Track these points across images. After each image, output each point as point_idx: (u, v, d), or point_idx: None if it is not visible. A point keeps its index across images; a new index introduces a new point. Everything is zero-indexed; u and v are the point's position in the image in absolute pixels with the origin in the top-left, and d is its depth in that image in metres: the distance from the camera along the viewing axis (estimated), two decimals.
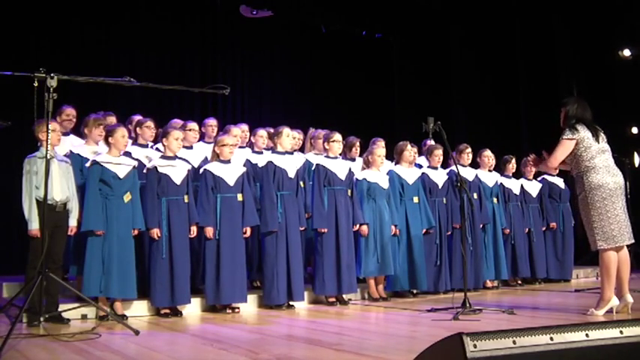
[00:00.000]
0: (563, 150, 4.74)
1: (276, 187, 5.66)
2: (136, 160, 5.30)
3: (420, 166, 6.87)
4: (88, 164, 5.05)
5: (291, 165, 5.79)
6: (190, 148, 5.99)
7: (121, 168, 5.02)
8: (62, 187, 4.77)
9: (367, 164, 6.28)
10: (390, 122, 11.11)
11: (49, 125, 4.13)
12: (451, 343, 1.96)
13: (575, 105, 4.84)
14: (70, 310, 4.84)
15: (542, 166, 5.12)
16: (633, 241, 4.71)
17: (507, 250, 7.36)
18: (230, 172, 5.49)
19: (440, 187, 6.70)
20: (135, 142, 5.74)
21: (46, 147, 4.14)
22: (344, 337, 4.00)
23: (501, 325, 4.32)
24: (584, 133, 4.72)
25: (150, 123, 5.76)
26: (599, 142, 4.73)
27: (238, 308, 5.41)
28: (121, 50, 8.93)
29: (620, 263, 4.67)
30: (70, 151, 5.36)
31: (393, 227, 6.16)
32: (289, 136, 5.89)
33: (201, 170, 5.54)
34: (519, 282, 7.57)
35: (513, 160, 7.66)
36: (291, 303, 5.62)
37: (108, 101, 8.00)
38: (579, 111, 4.81)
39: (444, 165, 6.96)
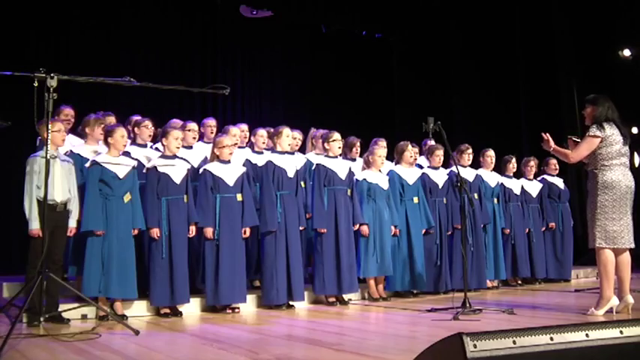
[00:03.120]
0: (589, 147, 4.71)
1: (276, 187, 5.66)
2: (135, 160, 5.30)
3: (421, 167, 6.87)
4: (87, 164, 5.05)
5: (290, 165, 5.79)
6: (190, 148, 5.99)
7: (121, 168, 5.02)
8: (63, 188, 4.77)
9: (367, 164, 6.27)
10: (390, 122, 11.10)
11: (54, 125, 4.13)
12: (451, 343, 1.96)
13: (606, 103, 4.79)
14: (70, 310, 4.84)
15: (561, 155, 4.98)
16: (633, 245, 4.71)
17: (507, 250, 7.36)
18: (229, 173, 5.49)
19: (440, 187, 6.70)
20: (134, 142, 5.73)
21: (46, 147, 4.14)
22: (344, 337, 4.00)
23: (501, 325, 4.32)
24: (610, 131, 4.69)
25: (148, 123, 5.76)
26: (625, 144, 4.72)
27: (238, 308, 5.40)
28: (121, 50, 8.92)
29: (622, 265, 4.67)
30: (70, 151, 5.36)
31: (393, 227, 6.16)
32: (289, 136, 5.89)
33: (200, 170, 5.53)
34: (519, 282, 7.57)
35: (513, 160, 7.65)
36: (291, 303, 5.62)
37: (108, 101, 8.00)
38: (610, 112, 4.78)
39: (445, 165, 6.95)
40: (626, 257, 4.70)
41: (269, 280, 5.54)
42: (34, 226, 4.60)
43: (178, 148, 5.40)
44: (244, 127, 6.61)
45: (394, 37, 11.61)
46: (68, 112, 5.81)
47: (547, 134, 4.99)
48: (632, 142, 4.95)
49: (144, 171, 5.30)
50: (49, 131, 4.13)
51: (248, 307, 5.56)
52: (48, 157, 4.13)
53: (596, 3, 9.47)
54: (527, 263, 7.56)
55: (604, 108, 4.79)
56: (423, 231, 6.40)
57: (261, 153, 6.22)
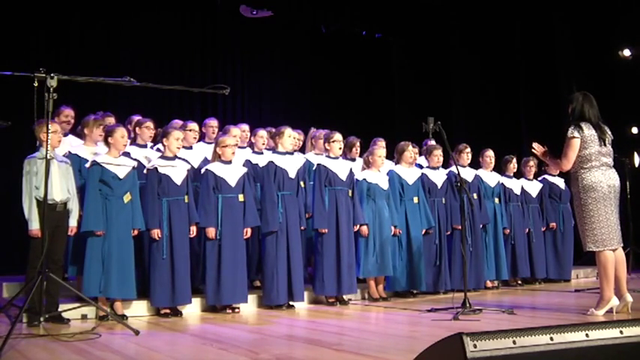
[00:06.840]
0: (573, 149, 4.69)
1: (277, 187, 5.66)
2: (135, 160, 5.30)
3: (421, 167, 6.87)
4: (87, 165, 5.05)
5: (291, 165, 5.79)
6: (190, 148, 5.99)
7: (121, 168, 5.02)
8: (62, 188, 4.77)
9: (367, 164, 6.28)
10: (390, 122, 11.10)
11: (50, 126, 4.12)
12: (451, 343, 1.96)
13: (581, 99, 4.79)
14: (70, 310, 4.84)
15: (552, 164, 5.03)
16: (622, 244, 4.71)
17: (507, 250, 7.36)
18: (231, 173, 5.49)
19: (439, 187, 6.70)
20: (134, 143, 5.73)
21: (46, 147, 4.14)
22: (344, 337, 4.00)
23: (501, 325, 4.32)
24: (588, 132, 4.69)
25: (149, 123, 5.76)
26: (604, 144, 4.70)
27: (238, 308, 5.41)
28: (121, 50, 8.92)
29: (617, 263, 4.67)
30: (69, 152, 5.36)
31: (392, 227, 6.16)
32: (291, 137, 5.89)
33: (202, 170, 5.53)
34: (519, 282, 7.57)
35: (514, 160, 7.65)
36: (291, 303, 5.62)
37: (108, 101, 8.00)
38: (585, 107, 4.76)
39: (445, 165, 6.95)
40: (620, 255, 4.70)
41: (269, 280, 5.54)
42: (34, 226, 4.60)
43: (179, 148, 5.40)
44: (245, 127, 6.61)
45: (394, 36, 11.60)
46: (68, 112, 5.81)
47: (538, 148, 5.04)
48: (631, 142, 4.96)
49: (144, 172, 5.30)
50: (49, 131, 4.12)
51: (248, 307, 5.56)
52: (47, 158, 4.13)
53: (596, 3, 9.47)
54: (527, 263, 7.56)
55: (578, 103, 4.79)
56: (423, 231, 6.40)
57: (261, 153, 6.22)
